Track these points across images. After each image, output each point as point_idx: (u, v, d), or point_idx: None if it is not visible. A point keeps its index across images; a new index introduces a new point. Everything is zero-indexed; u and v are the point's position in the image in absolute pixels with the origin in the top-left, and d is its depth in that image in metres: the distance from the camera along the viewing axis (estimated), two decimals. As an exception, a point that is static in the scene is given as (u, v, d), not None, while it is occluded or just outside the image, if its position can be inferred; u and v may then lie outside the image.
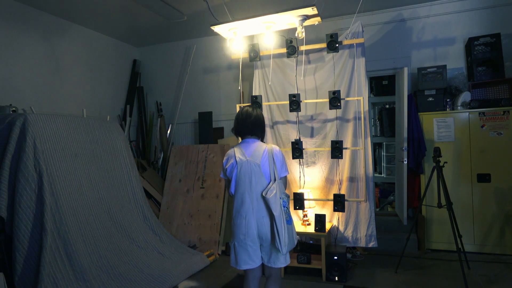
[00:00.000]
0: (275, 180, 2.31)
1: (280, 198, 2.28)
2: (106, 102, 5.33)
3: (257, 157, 2.34)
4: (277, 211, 2.23)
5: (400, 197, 4.47)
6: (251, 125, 2.44)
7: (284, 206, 2.28)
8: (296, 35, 3.52)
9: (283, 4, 4.13)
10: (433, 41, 4.51)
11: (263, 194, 2.26)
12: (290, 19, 3.53)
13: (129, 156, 4.15)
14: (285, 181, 2.46)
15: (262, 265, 2.42)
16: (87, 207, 3.40)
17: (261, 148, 2.38)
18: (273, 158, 2.34)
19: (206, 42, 5.56)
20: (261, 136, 2.51)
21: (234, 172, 2.37)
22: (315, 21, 3.58)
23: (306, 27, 3.61)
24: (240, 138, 2.53)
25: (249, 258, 2.34)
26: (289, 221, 2.30)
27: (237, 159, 2.36)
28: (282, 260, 2.36)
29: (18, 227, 2.91)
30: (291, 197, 3.79)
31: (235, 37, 3.84)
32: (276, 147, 2.41)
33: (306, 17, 3.46)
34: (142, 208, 4.05)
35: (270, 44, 3.87)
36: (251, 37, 4.55)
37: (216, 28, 3.74)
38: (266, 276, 2.46)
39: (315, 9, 3.30)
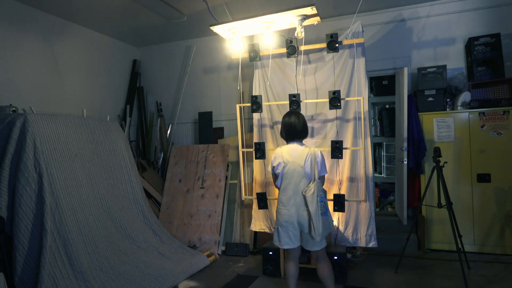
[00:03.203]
0: (314, 179, 2.71)
1: (318, 195, 2.65)
2: (106, 102, 5.33)
3: (301, 160, 2.75)
4: (313, 207, 2.64)
5: (400, 197, 4.47)
6: (299, 133, 2.87)
7: (321, 201, 2.67)
8: (296, 35, 3.52)
9: (283, 4, 4.12)
10: (433, 41, 4.51)
11: (303, 193, 2.68)
12: (290, 19, 3.52)
13: (129, 156, 4.15)
14: (323, 179, 2.89)
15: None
16: (87, 207, 3.40)
17: (304, 152, 2.78)
18: (315, 160, 2.74)
19: (206, 42, 5.56)
20: (305, 137, 2.95)
21: (281, 170, 2.80)
22: (315, 21, 3.58)
23: (306, 27, 3.60)
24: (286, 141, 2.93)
25: (290, 240, 2.77)
26: (325, 213, 2.71)
27: (284, 159, 2.79)
28: (317, 245, 2.77)
29: (18, 227, 2.91)
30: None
31: (235, 37, 3.83)
32: (318, 151, 2.81)
33: (306, 17, 3.45)
34: (142, 208, 4.05)
35: (269, 44, 3.87)
36: (251, 37, 4.55)
37: (215, 29, 3.73)
38: (315, 256, 2.92)
39: (315, 9, 3.30)
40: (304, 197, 2.68)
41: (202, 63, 5.62)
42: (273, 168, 2.90)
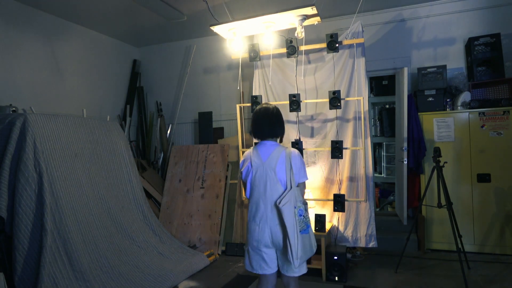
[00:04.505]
0: (291, 187, 2.18)
1: (295, 207, 2.14)
2: (106, 102, 5.33)
3: (273, 162, 2.21)
4: (289, 222, 2.11)
5: (400, 197, 4.48)
6: (270, 126, 2.31)
7: (300, 215, 2.15)
8: (296, 35, 3.52)
9: (283, 4, 4.12)
10: (433, 41, 4.51)
11: (277, 203, 2.15)
12: (290, 19, 3.53)
13: (129, 156, 4.15)
14: (303, 187, 2.30)
15: (279, 272, 2.35)
16: (87, 207, 3.40)
17: (278, 152, 2.23)
18: (290, 163, 2.20)
19: (206, 42, 5.56)
20: (281, 135, 2.38)
21: (249, 176, 2.28)
22: (315, 21, 3.58)
23: (306, 27, 3.61)
24: (257, 140, 2.38)
25: (265, 264, 2.25)
26: (306, 230, 2.17)
27: (253, 162, 2.26)
28: (296, 271, 2.25)
29: (18, 227, 2.91)
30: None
31: (235, 37, 3.84)
32: (295, 151, 2.26)
33: (306, 17, 3.46)
34: (142, 208, 4.05)
35: (270, 44, 3.87)
36: (251, 37, 4.55)
37: (216, 28, 3.74)
38: (284, 285, 2.37)
39: (315, 9, 3.30)
40: (279, 209, 2.14)
41: (202, 63, 5.62)
42: (240, 173, 2.37)
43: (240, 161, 2.38)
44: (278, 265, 2.30)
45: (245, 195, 2.37)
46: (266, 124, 2.30)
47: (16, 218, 2.92)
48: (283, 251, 2.20)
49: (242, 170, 2.34)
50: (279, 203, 2.13)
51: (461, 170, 4.08)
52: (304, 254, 2.14)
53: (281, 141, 2.39)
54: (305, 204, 2.22)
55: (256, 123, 2.33)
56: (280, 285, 2.40)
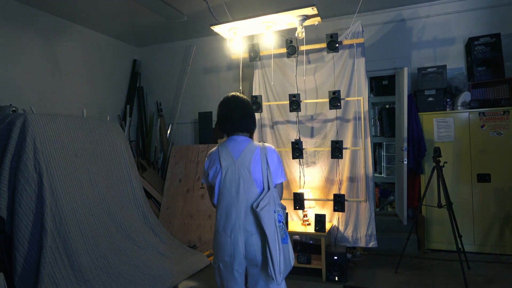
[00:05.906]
0: (269, 188, 1.86)
1: (275, 211, 1.83)
2: (106, 102, 5.33)
3: (247, 159, 1.88)
4: (270, 228, 1.79)
5: (400, 197, 4.47)
6: (243, 118, 1.96)
7: (279, 221, 1.83)
8: (296, 35, 3.52)
9: (283, 4, 4.12)
10: (433, 41, 4.51)
11: (254, 207, 1.82)
12: (290, 19, 3.53)
13: (129, 156, 4.15)
14: (280, 189, 2.00)
15: None
16: (87, 207, 3.40)
17: (252, 148, 1.91)
18: (267, 160, 1.88)
19: (206, 42, 5.56)
20: (253, 130, 2.03)
21: (218, 178, 1.92)
22: (315, 21, 3.58)
23: (306, 27, 3.61)
24: (226, 136, 2.04)
25: (236, 285, 1.92)
26: (285, 239, 1.85)
27: (222, 161, 1.90)
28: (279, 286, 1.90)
29: (18, 227, 2.91)
30: (291, 197, 3.79)
31: (235, 37, 3.84)
32: (270, 146, 1.95)
33: (306, 17, 3.46)
34: (142, 208, 4.05)
35: (270, 44, 3.87)
36: (251, 37, 4.55)
37: (216, 28, 3.74)
38: None
39: (315, 9, 3.31)
40: (256, 213, 1.81)
41: (202, 63, 5.62)
42: (207, 175, 1.99)
43: (206, 161, 2.00)
44: (247, 286, 1.97)
45: (212, 201, 2.00)
46: (238, 115, 1.96)
47: (16, 218, 2.92)
48: (262, 265, 1.86)
49: (208, 171, 1.97)
50: (257, 206, 1.81)
51: (461, 170, 4.08)
52: (285, 268, 1.84)
53: (251, 137, 2.04)
54: (284, 209, 1.92)
55: (225, 114, 1.98)
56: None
